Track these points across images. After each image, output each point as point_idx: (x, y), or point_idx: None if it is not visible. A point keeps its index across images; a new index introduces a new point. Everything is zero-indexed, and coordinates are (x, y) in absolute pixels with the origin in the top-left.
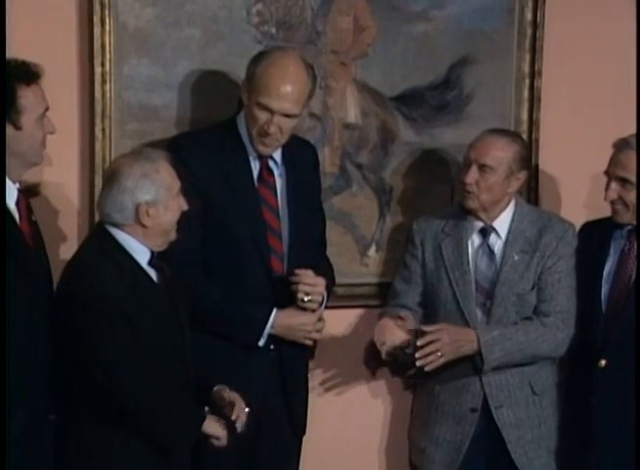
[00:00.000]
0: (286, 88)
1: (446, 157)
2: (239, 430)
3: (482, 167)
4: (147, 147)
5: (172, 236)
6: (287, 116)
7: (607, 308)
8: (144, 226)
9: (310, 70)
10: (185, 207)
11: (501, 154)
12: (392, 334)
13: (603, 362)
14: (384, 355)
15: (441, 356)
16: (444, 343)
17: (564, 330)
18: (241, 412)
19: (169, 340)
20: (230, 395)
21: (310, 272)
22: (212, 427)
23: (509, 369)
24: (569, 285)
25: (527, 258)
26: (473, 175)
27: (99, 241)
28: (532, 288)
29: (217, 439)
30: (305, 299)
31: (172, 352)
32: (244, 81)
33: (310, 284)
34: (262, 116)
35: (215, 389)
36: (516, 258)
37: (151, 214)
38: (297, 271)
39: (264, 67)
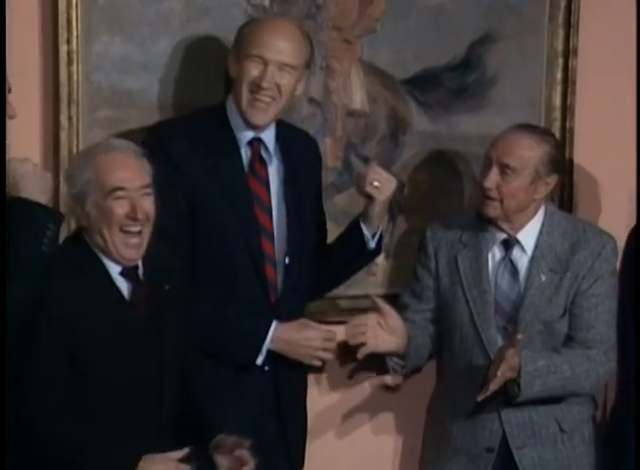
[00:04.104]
0: (280, 37)
1: (466, 149)
2: None
3: (504, 169)
4: (117, 137)
5: (123, 252)
6: (282, 68)
7: (637, 332)
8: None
9: (307, 35)
10: (138, 215)
11: (527, 154)
12: (376, 336)
13: None
14: (360, 356)
15: None
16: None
17: (606, 364)
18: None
19: (127, 365)
20: (239, 451)
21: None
22: None
23: (533, 404)
24: (609, 310)
25: (557, 280)
26: (493, 178)
27: (74, 236)
28: (563, 315)
29: None
30: (375, 183)
31: (128, 379)
32: (231, 50)
33: (379, 174)
34: (255, 68)
35: (218, 437)
36: (543, 278)
37: (84, 212)
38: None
39: (253, 25)
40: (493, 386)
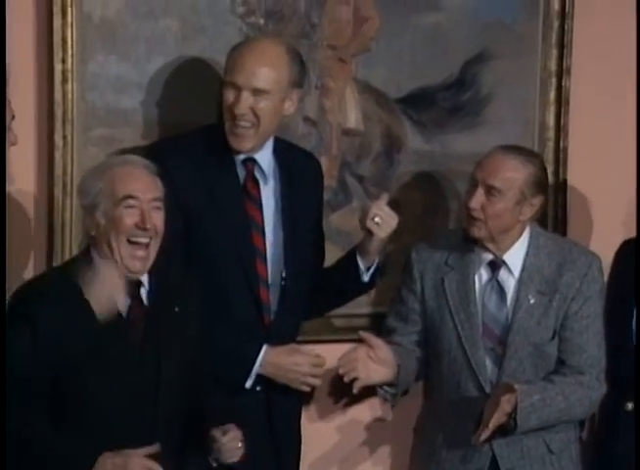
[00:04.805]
0: (253, 62)
1: (460, 167)
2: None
3: (490, 190)
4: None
5: (128, 263)
6: (257, 93)
7: (638, 341)
8: (92, 237)
9: (294, 53)
10: (147, 225)
11: (512, 175)
12: (367, 369)
13: (630, 405)
14: (355, 391)
15: None
16: None
17: (598, 389)
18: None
19: (117, 384)
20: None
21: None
22: None
23: None
24: (598, 331)
25: (546, 301)
26: (478, 199)
27: (75, 257)
28: (552, 337)
29: None
30: (376, 219)
31: (117, 400)
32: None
33: (382, 210)
34: (230, 95)
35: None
36: (532, 301)
37: (94, 222)
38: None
39: (236, 48)
40: (485, 434)
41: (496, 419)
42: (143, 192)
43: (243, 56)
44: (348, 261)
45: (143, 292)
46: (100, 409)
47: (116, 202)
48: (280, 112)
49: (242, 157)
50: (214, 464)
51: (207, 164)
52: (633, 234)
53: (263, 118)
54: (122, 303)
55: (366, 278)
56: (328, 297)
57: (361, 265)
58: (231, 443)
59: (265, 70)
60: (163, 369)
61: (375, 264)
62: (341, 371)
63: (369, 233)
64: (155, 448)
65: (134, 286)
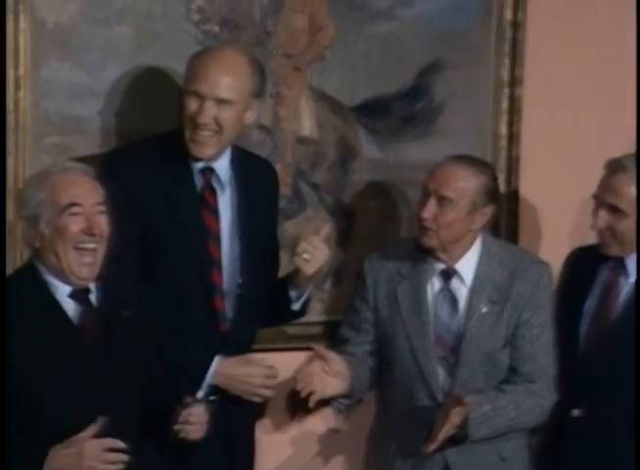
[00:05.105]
0: (217, 71)
1: (414, 176)
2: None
3: (442, 200)
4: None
5: (76, 270)
6: (220, 102)
7: (584, 350)
8: (36, 249)
9: (256, 64)
10: (93, 230)
11: (464, 185)
12: (323, 382)
13: (576, 412)
14: (311, 405)
15: None
16: None
17: (549, 398)
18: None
19: (73, 393)
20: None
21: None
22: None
23: None
24: (549, 339)
25: (497, 310)
26: (430, 209)
27: (22, 267)
28: (504, 346)
29: None
30: (304, 256)
31: (75, 409)
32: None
33: (313, 245)
34: (192, 104)
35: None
36: (483, 310)
37: (38, 233)
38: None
39: (195, 59)
40: (433, 446)
41: (445, 431)
42: (86, 198)
43: (205, 65)
44: (280, 288)
45: (92, 297)
46: (56, 413)
47: (60, 210)
48: (242, 121)
49: (199, 166)
50: (178, 435)
51: (164, 173)
52: (583, 242)
53: (226, 128)
54: (72, 309)
55: (297, 307)
56: (267, 313)
57: (291, 295)
58: (198, 417)
59: (229, 80)
60: (117, 372)
61: (306, 295)
62: (297, 387)
63: (297, 268)
64: (100, 424)
65: (82, 292)
